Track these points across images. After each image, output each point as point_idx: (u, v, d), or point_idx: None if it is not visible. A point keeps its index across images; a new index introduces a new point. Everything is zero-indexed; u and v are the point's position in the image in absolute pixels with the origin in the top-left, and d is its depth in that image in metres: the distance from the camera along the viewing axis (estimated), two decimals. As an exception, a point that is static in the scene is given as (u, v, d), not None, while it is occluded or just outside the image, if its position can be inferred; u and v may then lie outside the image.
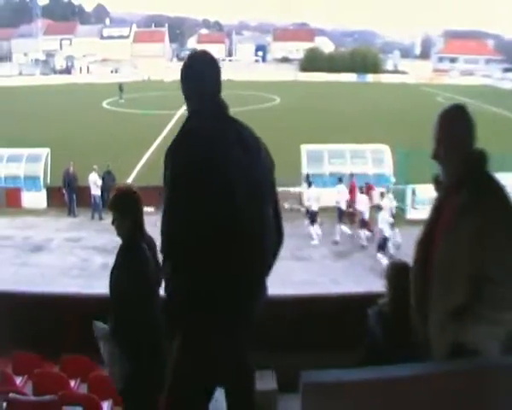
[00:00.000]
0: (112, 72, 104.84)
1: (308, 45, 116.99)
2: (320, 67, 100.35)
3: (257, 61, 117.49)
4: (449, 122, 3.33)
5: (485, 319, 3.15)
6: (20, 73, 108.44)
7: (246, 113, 51.06)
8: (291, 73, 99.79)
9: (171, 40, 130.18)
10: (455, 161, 3.29)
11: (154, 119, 47.58)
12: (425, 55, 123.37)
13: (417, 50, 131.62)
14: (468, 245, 3.13)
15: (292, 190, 24.41)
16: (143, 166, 31.22)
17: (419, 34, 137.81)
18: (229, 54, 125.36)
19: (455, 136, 3.30)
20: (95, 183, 24.38)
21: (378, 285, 3.91)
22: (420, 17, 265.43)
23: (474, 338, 3.18)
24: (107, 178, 25.03)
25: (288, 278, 17.19)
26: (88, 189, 24.30)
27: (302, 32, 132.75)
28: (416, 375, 2.60)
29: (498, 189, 3.23)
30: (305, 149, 25.61)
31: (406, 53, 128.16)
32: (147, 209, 21.75)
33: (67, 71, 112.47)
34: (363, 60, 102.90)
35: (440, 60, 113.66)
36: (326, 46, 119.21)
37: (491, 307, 3.13)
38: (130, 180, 28.30)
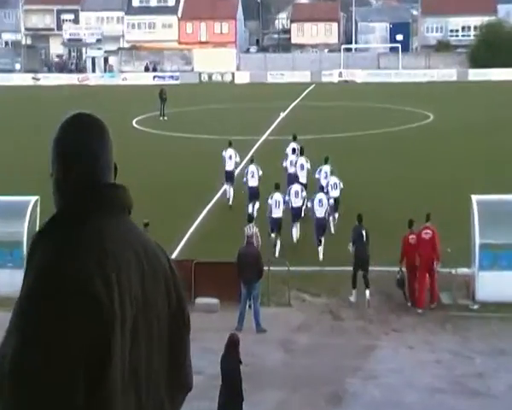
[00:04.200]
0: (147, 68, 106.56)
1: (484, 19, 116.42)
2: (505, 55, 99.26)
3: (393, 48, 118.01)
4: (54, 141, 3.38)
5: None
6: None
7: (371, 139, 51.11)
8: (453, 70, 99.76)
9: (247, 17, 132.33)
10: (56, 198, 3.37)
11: (218, 147, 48.01)
12: None
13: None
14: None
15: (453, 271, 24.39)
16: (199, 228, 31.71)
17: None
18: (347, 39, 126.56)
19: (55, 162, 3.35)
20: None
21: None
22: None
23: None
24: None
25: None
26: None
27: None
28: None
29: (47, 248, 3.15)
30: (477, 200, 25.44)
31: None
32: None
33: (70, 66, 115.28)
34: None
35: None
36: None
37: None
38: (177, 251, 28.60)
